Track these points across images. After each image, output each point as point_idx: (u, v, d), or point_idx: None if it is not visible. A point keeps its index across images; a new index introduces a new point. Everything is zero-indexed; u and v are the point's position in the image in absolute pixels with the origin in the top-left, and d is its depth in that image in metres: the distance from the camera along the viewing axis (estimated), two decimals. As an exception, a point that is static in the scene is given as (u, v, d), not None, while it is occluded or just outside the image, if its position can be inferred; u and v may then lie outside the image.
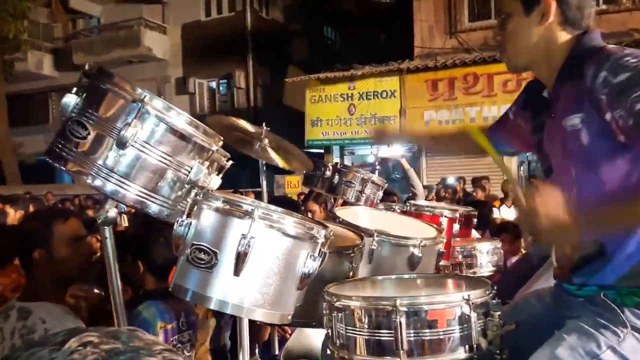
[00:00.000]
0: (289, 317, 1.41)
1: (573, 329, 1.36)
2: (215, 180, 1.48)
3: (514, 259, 3.67)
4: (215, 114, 17.06)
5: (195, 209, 1.36)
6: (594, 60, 1.29)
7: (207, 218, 1.34)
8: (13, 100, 17.90)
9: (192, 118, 1.38)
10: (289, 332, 2.72)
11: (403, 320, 1.29)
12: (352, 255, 1.76)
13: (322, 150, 13.51)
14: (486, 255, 3.08)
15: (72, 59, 18.00)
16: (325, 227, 1.43)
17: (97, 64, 1.44)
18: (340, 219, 2.05)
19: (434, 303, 1.33)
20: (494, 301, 1.37)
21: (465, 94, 11.70)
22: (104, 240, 1.43)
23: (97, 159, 1.31)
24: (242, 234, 1.28)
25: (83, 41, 18.85)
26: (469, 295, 1.32)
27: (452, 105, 11.88)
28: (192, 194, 1.37)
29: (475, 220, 3.21)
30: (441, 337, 1.31)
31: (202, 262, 1.29)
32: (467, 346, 1.32)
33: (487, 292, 1.37)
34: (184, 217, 1.34)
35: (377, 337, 1.33)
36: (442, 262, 2.29)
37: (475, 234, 3.72)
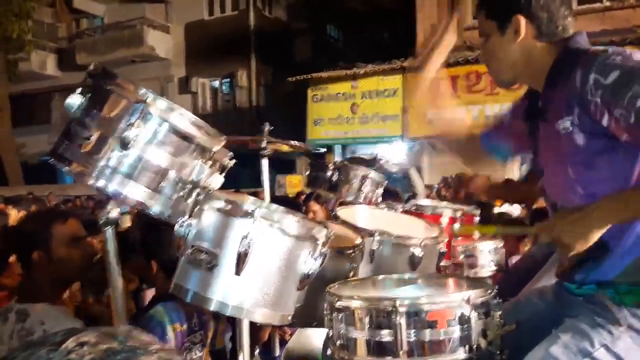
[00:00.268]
0: (289, 318, 1.42)
1: (569, 328, 1.37)
2: (217, 180, 1.49)
3: (515, 258, 3.67)
4: (217, 113, 17.09)
5: (196, 209, 1.36)
6: (581, 64, 1.30)
7: (208, 218, 1.34)
8: (16, 100, 17.96)
9: (196, 118, 1.38)
10: (289, 333, 2.73)
11: (403, 320, 1.29)
12: (352, 255, 1.77)
13: (324, 150, 13.51)
14: (488, 254, 3.07)
15: (76, 59, 18.06)
16: (326, 227, 1.43)
17: (100, 63, 1.45)
18: (341, 219, 2.05)
19: (434, 303, 1.33)
20: (494, 301, 1.37)
21: (468, 93, 11.68)
22: (106, 241, 1.44)
23: (100, 160, 1.32)
24: (243, 235, 1.28)
25: (86, 41, 18.91)
26: (469, 296, 1.32)
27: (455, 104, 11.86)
28: (194, 194, 1.38)
29: (476, 218, 3.20)
30: (441, 337, 1.31)
31: (203, 262, 1.30)
32: (467, 346, 1.32)
33: (488, 292, 1.37)
34: (186, 217, 1.35)
35: (377, 338, 1.33)
36: (443, 262, 2.30)
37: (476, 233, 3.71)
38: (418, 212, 2.64)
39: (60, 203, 10.05)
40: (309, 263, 1.37)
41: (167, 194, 1.37)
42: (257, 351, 2.32)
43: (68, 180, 16.53)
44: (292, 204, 4.17)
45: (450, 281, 1.78)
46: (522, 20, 1.40)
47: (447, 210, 2.67)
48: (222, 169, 1.55)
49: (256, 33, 16.96)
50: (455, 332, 1.31)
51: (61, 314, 1.87)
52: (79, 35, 19.42)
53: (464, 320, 1.31)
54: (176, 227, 1.33)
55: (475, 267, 3.04)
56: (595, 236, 1.27)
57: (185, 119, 1.36)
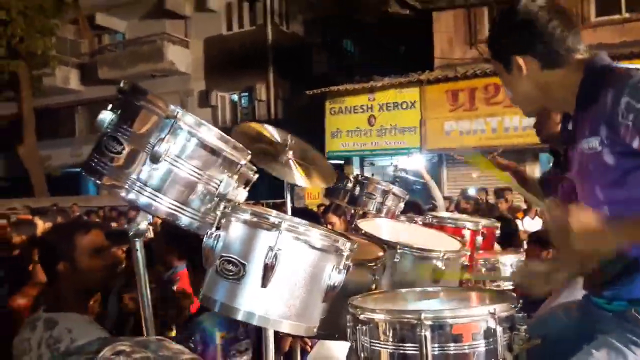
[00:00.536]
0: (314, 330, 1.43)
1: (602, 344, 1.35)
2: (242, 194, 1.52)
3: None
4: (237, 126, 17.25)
5: (223, 221, 1.39)
6: (611, 84, 1.30)
7: (235, 230, 1.37)
8: (41, 114, 18.42)
9: (222, 133, 1.42)
10: (310, 343, 2.73)
11: (428, 334, 1.28)
12: (375, 267, 1.77)
13: (342, 162, 13.53)
14: (510, 267, 3.05)
15: (98, 74, 18.49)
16: (350, 239, 1.45)
17: (123, 78, 1.50)
18: (363, 231, 2.06)
19: (459, 317, 1.32)
20: (519, 315, 1.35)
21: (487, 105, 11.62)
22: (135, 252, 1.47)
23: (131, 173, 1.36)
24: (269, 246, 1.30)
25: (108, 56, 19.34)
26: (494, 309, 1.31)
27: (473, 116, 11.80)
28: (221, 207, 1.40)
29: (497, 231, 3.18)
30: (466, 351, 1.30)
31: (231, 273, 1.32)
32: (493, 360, 1.31)
33: (513, 305, 1.37)
34: (213, 229, 1.38)
35: (401, 351, 1.33)
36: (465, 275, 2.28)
37: (497, 247, 3.68)
38: (439, 225, 2.63)
39: (83, 214, 10.23)
40: (334, 275, 1.39)
41: (195, 207, 1.40)
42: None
43: (91, 192, 16.82)
44: (313, 216, 4.18)
45: (473, 294, 1.77)
46: (520, 60, 1.43)
47: (468, 223, 2.67)
48: (246, 183, 1.58)
49: (274, 47, 17.17)
50: (480, 346, 1.30)
51: (87, 322, 1.91)
52: (101, 51, 19.88)
53: (489, 334, 1.30)
54: (204, 238, 1.36)
55: (497, 280, 3.01)
56: (601, 251, 1.27)
57: (212, 134, 1.40)
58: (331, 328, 1.62)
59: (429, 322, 1.29)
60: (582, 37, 1.44)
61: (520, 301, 1.41)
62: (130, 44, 19.07)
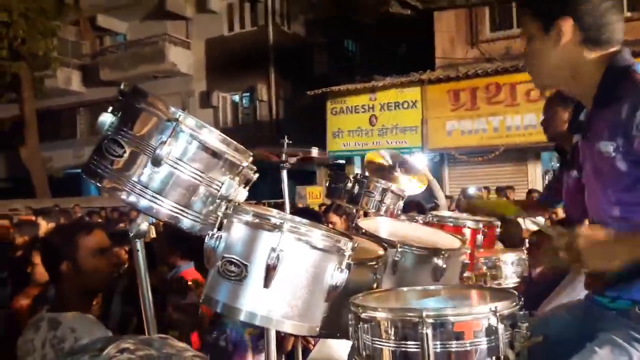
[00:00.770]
0: (317, 329, 1.43)
1: (605, 342, 1.35)
2: (242, 193, 1.52)
3: (538, 270, 3.62)
4: (238, 126, 17.30)
5: (225, 222, 1.39)
6: (629, 94, 1.29)
7: (237, 231, 1.37)
8: (43, 116, 18.45)
9: (224, 135, 1.42)
10: (312, 342, 2.74)
11: (429, 331, 1.29)
12: (376, 266, 1.78)
13: (343, 162, 13.54)
14: (511, 266, 3.05)
15: (100, 75, 18.52)
16: (352, 239, 1.45)
17: (125, 80, 1.50)
18: (364, 230, 2.07)
19: (461, 315, 1.33)
20: (521, 312, 1.36)
21: (488, 104, 11.61)
22: (136, 253, 1.48)
23: (131, 176, 1.36)
24: (272, 247, 1.31)
25: (110, 57, 19.37)
26: (496, 307, 1.31)
27: (475, 115, 11.80)
28: (223, 208, 1.41)
29: (498, 230, 3.18)
30: (468, 348, 1.30)
31: (233, 274, 1.32)
32: (494, 358, 1.31)
33: (514, 303, 1.37)
34: (215, 230, 1.38)
35: (403, 349, 1.33)
36: (465, 273, 2.29)
37: (499, 245, 3.68)
38: (439, 224, 2.63)
39: (85, 215, 10.26)
40: (336, 275, 1.39)
41: (197, 209, 1.41)
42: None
43: (93, 193, 16.86)
44: (315, 215, 4.19)
45: (474, 292, 1.78)
46: (568, 22, 1.36)
47: (468, 222, 2.67)
48: (246, 183, 1.59)
49: (275, 48, 17.18)
50: (482, 343, 1.31)
51: (91, 322, 1.92)
52: (103, 53, 19.92)
53: (491, 332, 1.31)
54: (206, 239, 1.36)
55: (498, 279, 3.01)
56: (614, 266, 1.26)
57: (214, 136, 1.40)
58: (333, 327, 1.63)
59: (430, 320, 1.29)
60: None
61: (522, 299, 1.42)
62: (132, 45, 19.10)
